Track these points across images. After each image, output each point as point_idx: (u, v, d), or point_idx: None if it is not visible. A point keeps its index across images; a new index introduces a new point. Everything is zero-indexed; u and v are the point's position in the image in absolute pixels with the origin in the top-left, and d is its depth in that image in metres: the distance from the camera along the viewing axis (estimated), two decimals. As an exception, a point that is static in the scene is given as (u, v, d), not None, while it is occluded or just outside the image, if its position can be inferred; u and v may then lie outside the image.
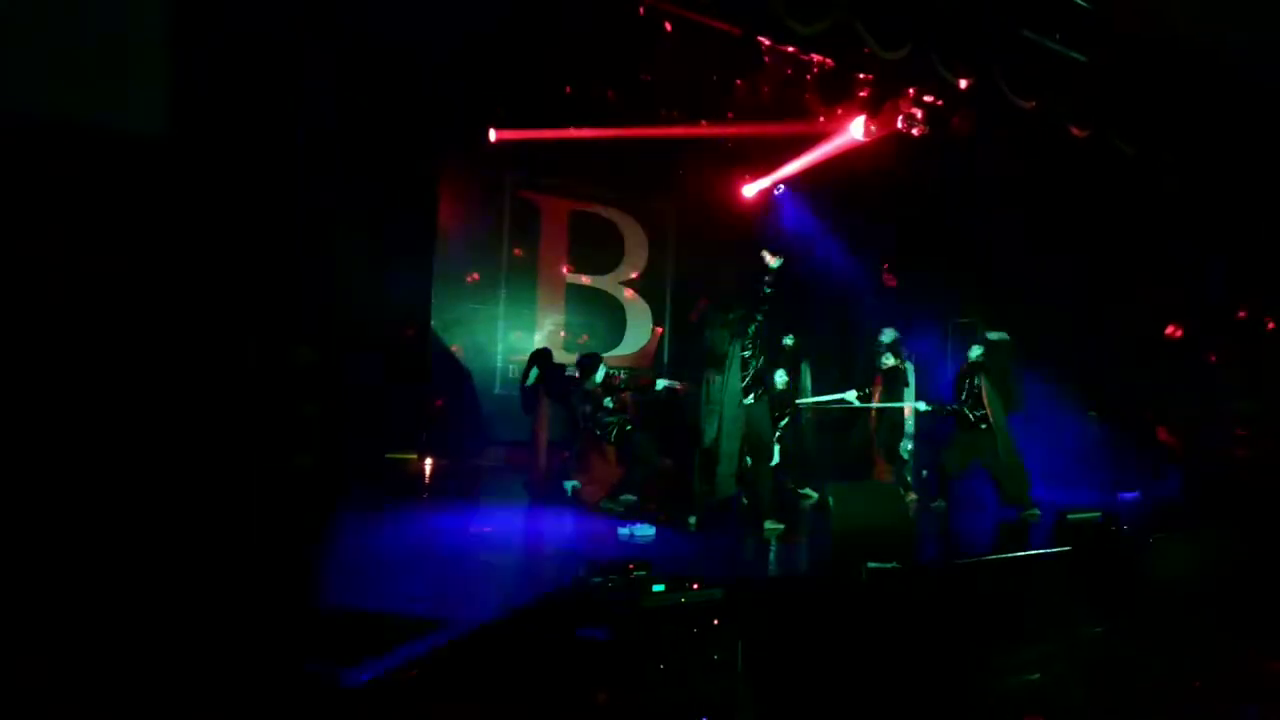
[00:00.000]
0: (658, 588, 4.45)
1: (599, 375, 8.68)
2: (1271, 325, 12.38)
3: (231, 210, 4.49)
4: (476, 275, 11.08)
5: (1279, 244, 12.77)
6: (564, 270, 11.80)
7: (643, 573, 4.63)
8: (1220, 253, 12.50)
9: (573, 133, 10.35)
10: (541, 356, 9.04)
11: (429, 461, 9.69)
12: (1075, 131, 10.03)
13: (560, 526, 7.51)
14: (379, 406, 9.01)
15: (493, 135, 10.41)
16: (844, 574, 6.25)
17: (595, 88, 9.62)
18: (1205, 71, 10.15)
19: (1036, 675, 5.96)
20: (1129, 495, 10.74)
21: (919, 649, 5.59)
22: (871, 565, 6.06)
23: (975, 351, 9.48)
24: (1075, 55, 9.47)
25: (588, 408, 8.45)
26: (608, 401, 8.51)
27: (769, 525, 7.42)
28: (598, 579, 4.63)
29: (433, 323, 10.45)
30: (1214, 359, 12.27)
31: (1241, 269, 12.75)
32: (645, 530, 7.10)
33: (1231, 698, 5.67)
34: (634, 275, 12.22)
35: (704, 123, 10.60)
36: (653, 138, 10.78)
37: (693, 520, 7.46)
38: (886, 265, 13.05)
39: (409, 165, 9.76)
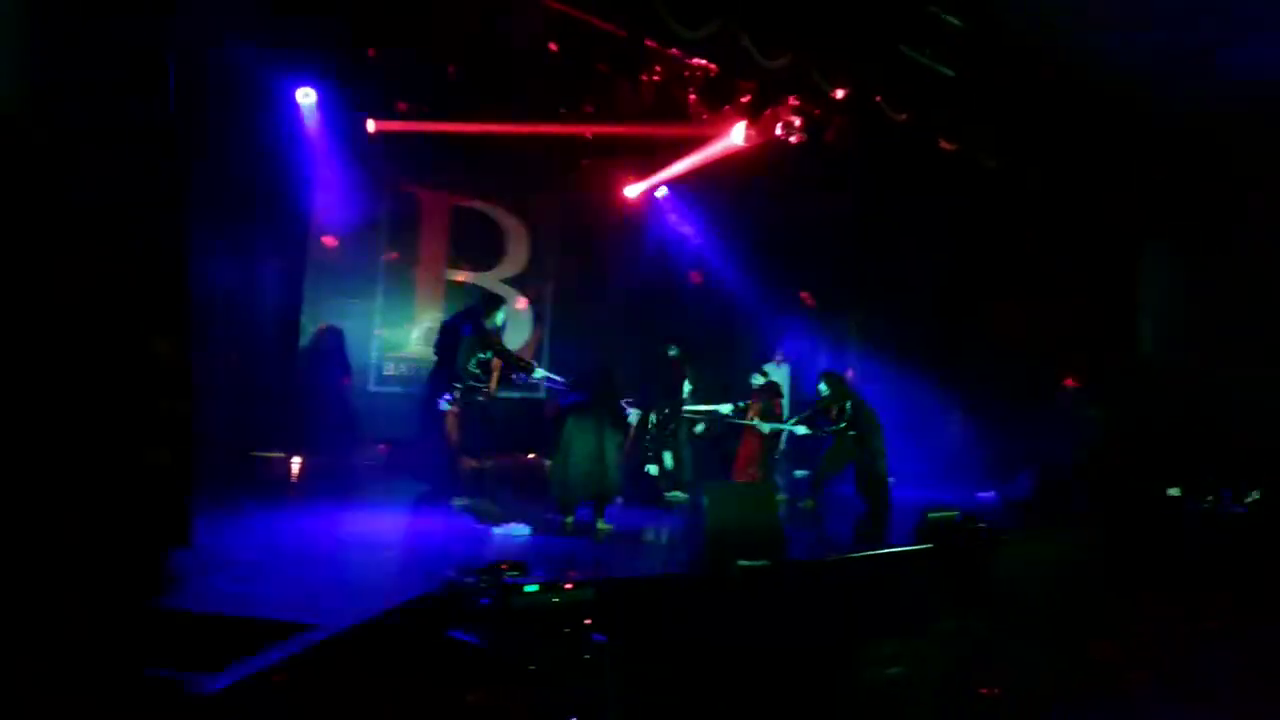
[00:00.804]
0: (530, 588, 4.42)
1: (499, 317, 8.36)
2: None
3: (84, 196, 4.25)
4: (351, 269, 10.78)
5: (1127, 258, 13.62)
6: (444, 266, 11.60)
7: (515, 573, 4.59)
8: (1071, 263, 13.24)
9: (454, 127, 10.19)
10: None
11: (297, 460, 9.37)
12: (944, 144, 10.44)
13: (434, 527, 7.38)
14: (243, 402, 8.68)
15: (371, 126, 10.16)
16: (716, 572, 6.34)
17: (476, 82, 9.49)
18: (1066, 90, 10.72)
19: (898, 669, 6.13)
20: (986, 495, 11.25)
21: (788, 644, 5.70)
22: (743, 563, 6.17)
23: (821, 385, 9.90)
24: (945, 71, 9.86)
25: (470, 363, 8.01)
26: (474, 365, 8.01)
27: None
28: (469, 580, 4.57)
29: (303, 317, 10.12)
30: (1068, 370, 12.97)
31: (1092, 280, 13.54)
32: (520, 530, 7.05)
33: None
34: (515, 273, 12.11)
35: (586, 122, 10.59)
36: (536, 135, 10.73)
37: (569, 520, 7.47)
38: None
39: (281, 155, 9.44)
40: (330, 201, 10.43)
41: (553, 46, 8.90)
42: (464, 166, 11.25)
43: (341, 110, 9.92)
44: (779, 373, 12.20)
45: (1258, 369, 12.19)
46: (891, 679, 6.01)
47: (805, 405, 12.10)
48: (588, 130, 10.85)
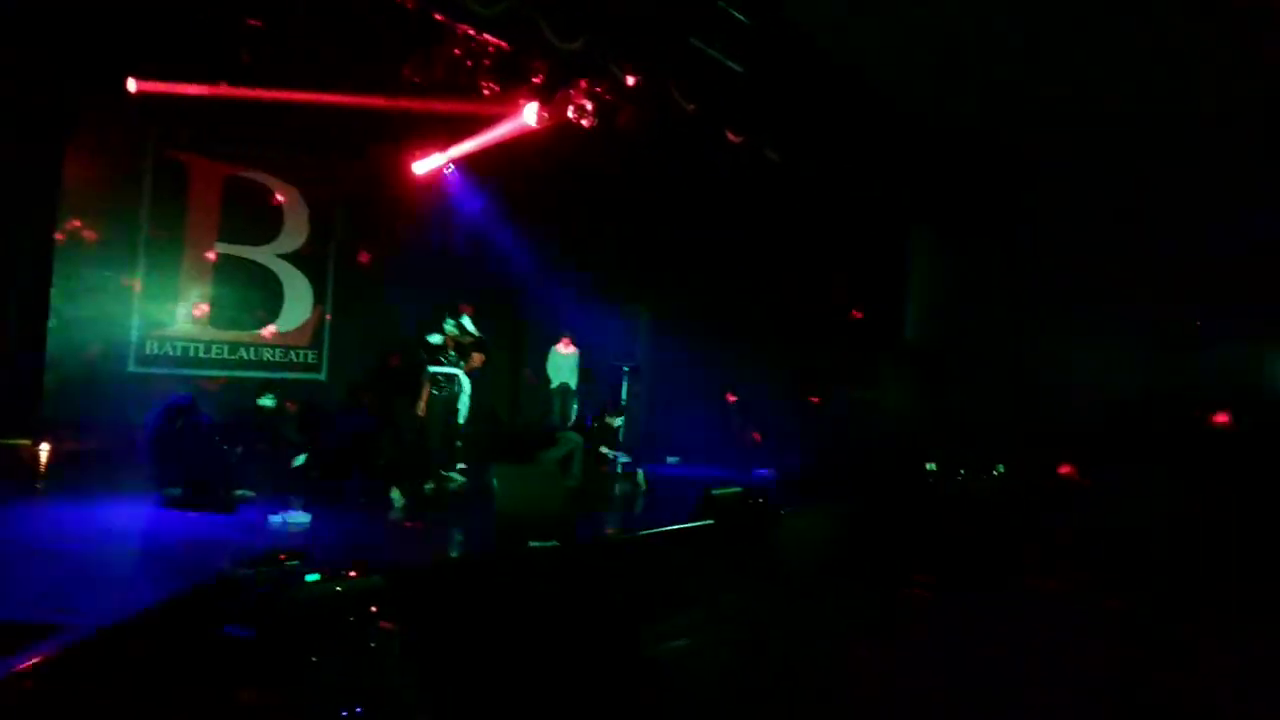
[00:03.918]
0: (311, 577, 4.24)
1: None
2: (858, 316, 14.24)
3: None
4: (109, 242, 9.90)
5: (898, 250, 14.65)
6: (214, 240, 10.85)
7: (296, 563, 4.40)
8: (846, 252, 14.11)
9: (225, 90, 9.52)
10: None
11: (46, 447, 8.54)
12: (731, 137, 10.81)
13: (206, 517, 6.95)
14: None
15: (132, 86, 9.35)
16: (506, 554, 6.34)
17: (253, 44, 8.92)
18: (846, 91, 11.36)
19: (685, 641, 6.34)
20: (762, 472, 11.81)
21: (579, 622, 5.78)
22: (533, 544, 6.20)
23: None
24: (734, 66, 10.20)
25: None
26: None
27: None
28: (245, 572, 4.34)
29: (53, 290, 9.22)
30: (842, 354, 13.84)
31: (863, 268, 14.50)
32: (300, 518, 6.76)
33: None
34: (294, 249, 11.50)
35: (373, 93, 10.20)
36: (319, 104, 10.22)
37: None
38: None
39: (25, 115, 8.54)
40: (84, 166, 9.54)
41: (338, 13, 8.52)
42: (240, 133, 10.57)
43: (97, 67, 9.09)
44: (567, 356, 12.31)
45: (1015, 354, 13.49)
46: (677, 652, 6.21)
47: (596, 389, 12.31)
48: (374, 102, 10.44)
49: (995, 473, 10.93)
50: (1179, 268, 12.70)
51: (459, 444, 9.75)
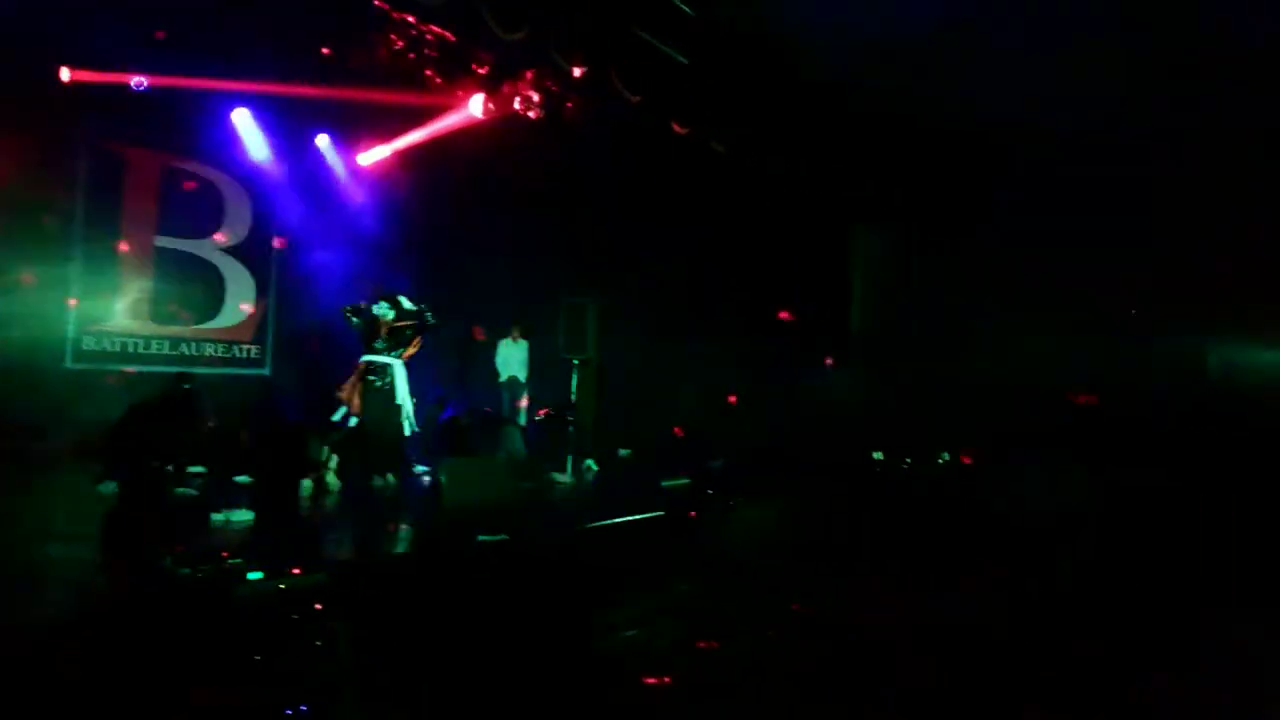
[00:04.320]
0: (254, 575, 4.19)
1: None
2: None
3: None
4: (42, 235, 9.63)
5: (841, 246, 14.80)
6: (153, 232, 10.61)
7: (238, 561, 4.34)
8: (794, 247, 14.22)
9: (161, 80, 9.33)
10: None
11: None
12: (677, 128, 10.84)
13: (145, 516, 6.80)
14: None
15: (66, 75, 9.11)
16: (454, 548, 6.30)
17: (191, 34, 8.75)
18: (789, 83, 11.44)
19: (635, 631, 6.36)
20: (713, 463, 11.85)
21: (530, 616, 5.76)
22: (482, 538, 6.18)
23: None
24: (679, 57, 10.22)
25: None
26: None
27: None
28: (185, 570, 4.27)
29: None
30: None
31: (811, 263, 14.63)
32: (243, 515, 6.65)
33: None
34: (236, 242, 11.29)
35: (316, 83, 10.06)
36: (261, 94, 10.07)
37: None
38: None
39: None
40: (13, 157, 9.27)
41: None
42: (177, 124, 10.35)
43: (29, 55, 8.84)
44: (516, 349, 12.26)
45: (962, 345, 13.71)
46: (627, 643, 6.23)
47: (548, 384, 12.26)
48: (317, 92, 10.29)
49: (940, 460, 11.13)
50: (1122, 261, 13.02)
51: (409, 434, 9.43)
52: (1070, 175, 12.88)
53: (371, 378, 8.52)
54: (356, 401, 8.50)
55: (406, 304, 8.77)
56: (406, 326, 8.72)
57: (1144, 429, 12.00)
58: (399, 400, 8.65)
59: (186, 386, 8.97)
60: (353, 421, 8.47)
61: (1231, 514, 9.17)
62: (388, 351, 8.62)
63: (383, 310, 8.59)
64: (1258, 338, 13.11)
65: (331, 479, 8.39)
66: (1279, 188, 11.94)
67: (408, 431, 8.78)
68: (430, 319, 8.87)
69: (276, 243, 11.60)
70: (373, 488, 8.51)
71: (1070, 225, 13.30)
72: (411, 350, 8.85)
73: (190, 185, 10.92)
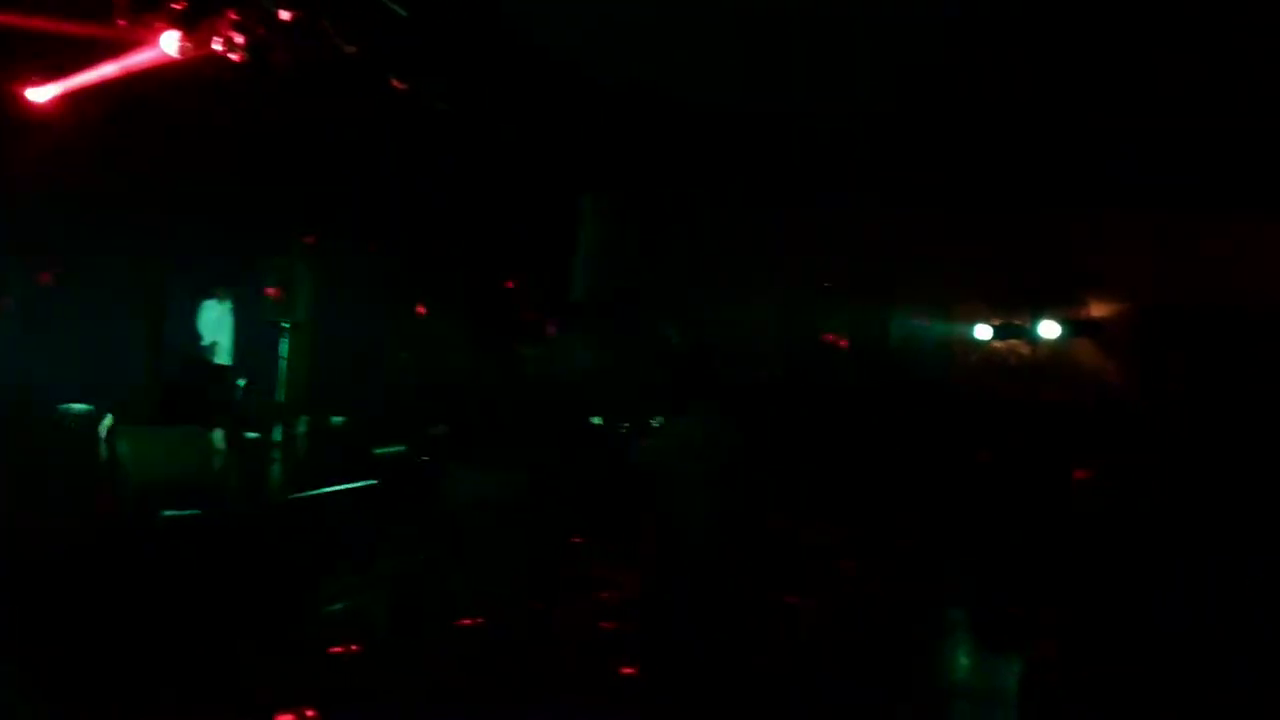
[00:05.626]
0: None
1: None
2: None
3: None
4: None
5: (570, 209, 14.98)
6: None
7: None
8: (520, 214, 14.22)
9: None
10: None
11: None
12: (395, 84, 10.48)
13: None
14: None
15: None
16: (138, 526, 5.85)
17: None
18: (511, 45, 11.30)
19: (342, 604, 6.18)
20: (432, 430, 11.70)
21: (231, 594, 5.49)
22: (168, 514, 5.77)
23: None
24: (398, 10, 9.83)
25: None
26: None
27: None
28: None
29: None
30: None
31: (538, 231, 14.71)
32: None
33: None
34: None
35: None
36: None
37: None
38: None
39: None
40: None
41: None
42: None
43: None
44: (220, 309, 11.52)
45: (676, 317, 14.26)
46: (339, 615, 6.05)
47: (250, 347, 11.55)
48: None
49: (654, 424, 11.56)
50: (820, 229, 14.13)
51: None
52: (779, 155, 13.70)
53: None
54: None
55: None
56: None
57: (825, 394, 13.21)
58: None
59: None
60: None
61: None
62: None
63: None
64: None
65: None
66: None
67: None
68: None
69: None
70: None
71: (778, 201, 14.24)
72: None
73: None
